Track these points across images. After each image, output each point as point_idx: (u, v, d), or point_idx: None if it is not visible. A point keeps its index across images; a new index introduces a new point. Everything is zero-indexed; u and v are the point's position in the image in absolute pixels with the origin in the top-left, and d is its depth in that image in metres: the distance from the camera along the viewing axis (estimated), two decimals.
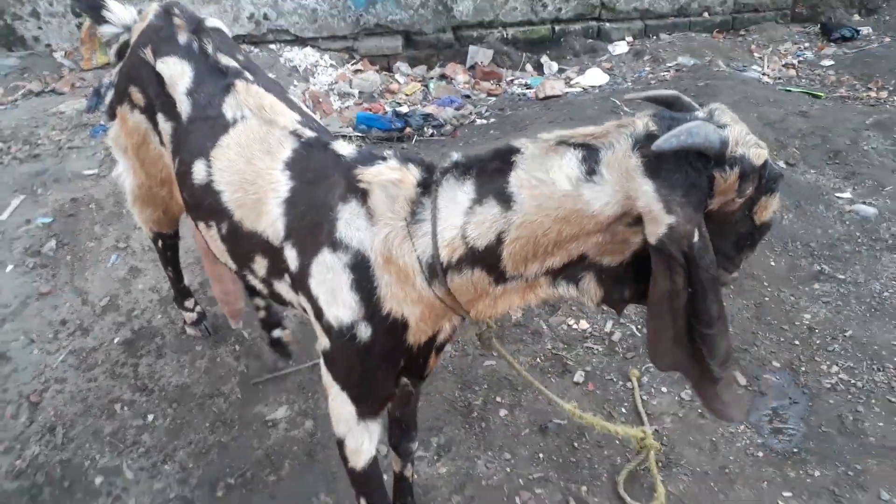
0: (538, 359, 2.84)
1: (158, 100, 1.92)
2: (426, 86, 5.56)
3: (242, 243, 1.73)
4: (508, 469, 2.40)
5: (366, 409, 1.68)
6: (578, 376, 2.74)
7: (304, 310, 1.67)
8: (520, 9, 5.89)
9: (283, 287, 1.72)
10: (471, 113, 5.04)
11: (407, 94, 5.42)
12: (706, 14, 6.17)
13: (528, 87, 5.48)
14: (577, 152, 1.26)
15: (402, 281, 1.45)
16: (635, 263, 1.30)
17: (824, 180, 3.84)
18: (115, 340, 2.88)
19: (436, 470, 2.41)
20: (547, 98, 5.09)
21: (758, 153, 1.19)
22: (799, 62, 5.61)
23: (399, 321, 1.49)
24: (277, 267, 1.67)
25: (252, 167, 1.69)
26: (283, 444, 2.51)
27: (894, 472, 2.35)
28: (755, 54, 5.73)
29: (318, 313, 1.57)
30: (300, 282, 1.60)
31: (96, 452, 2.45)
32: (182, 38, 1.94)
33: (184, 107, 1.85)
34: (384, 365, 1.58)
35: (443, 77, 5.79)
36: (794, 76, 5.39)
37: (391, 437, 2.07)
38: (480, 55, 5.85)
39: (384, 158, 1.52)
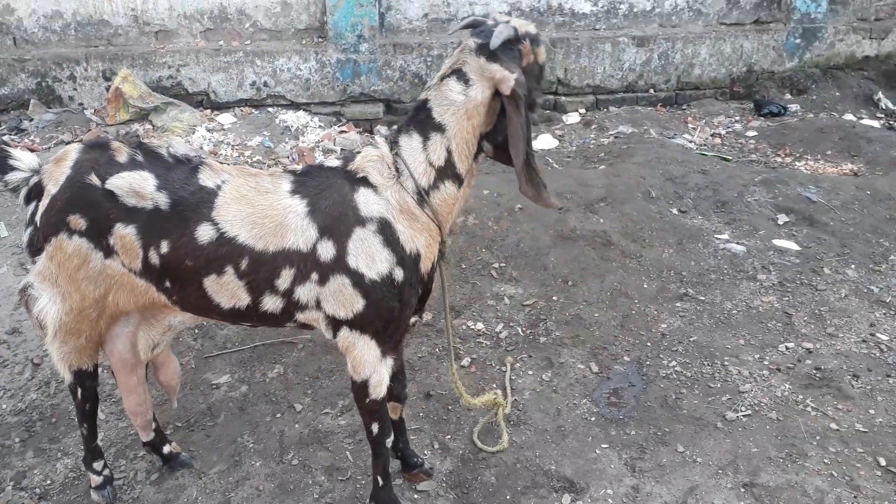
0: (437, 349, 3.53)
1: (111, 214, 2.12)
2: None
3: (267, 266, 2.10)
4: None
5: (388, 347, 2.23)
6: (465, 361, 3.43)
7: (318, 303, 2.14)
8: None
9: (304, 289, 2.12)
10: None
11: None
12: (652, 90, 7.01)
13: None
14: (453, 77, 2.08)
15: (410, 219, 2.10)
16: (498, 123, 2.15)
17: (708, 224, 4.55)
18: None
19: (337, 422, 3.08)
20: None
21: (529, 26, 2.09)
22: (726, 132, 6.38)
23: (416, 254, 2.14)
24: (304, 271, 2.10)
25: (258, 207, 2.09)
26: (223, 401, 3.21)
27: (694, 434, 2.97)
28: (689, 125, 6.53)
29: (359, 281, 2.07)
30: (335, 266, 2.07)
31: None
32: (122, 157, 2.17)
33: (161, 199, 2.10)
34: (411, 296, 2.18)
35: None
36: (719, 144, 6.16)
37: (391, 390, 2.45)
38: None
39: (359, 152, 2.18)
